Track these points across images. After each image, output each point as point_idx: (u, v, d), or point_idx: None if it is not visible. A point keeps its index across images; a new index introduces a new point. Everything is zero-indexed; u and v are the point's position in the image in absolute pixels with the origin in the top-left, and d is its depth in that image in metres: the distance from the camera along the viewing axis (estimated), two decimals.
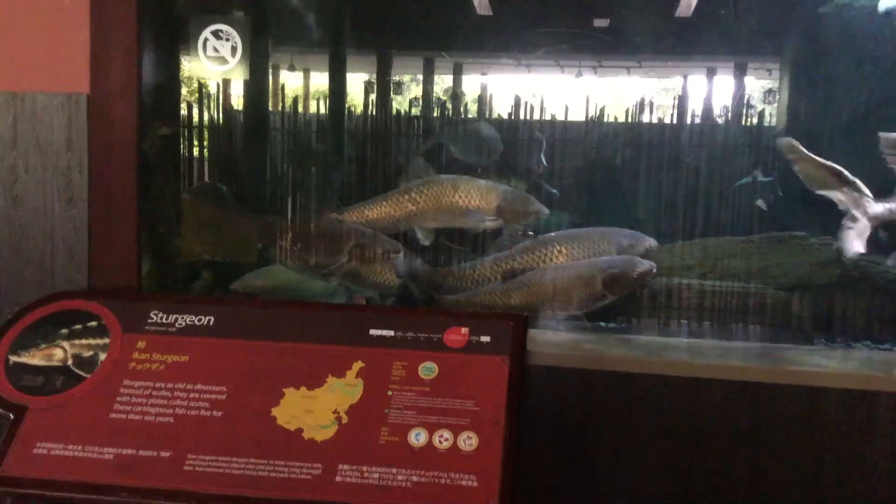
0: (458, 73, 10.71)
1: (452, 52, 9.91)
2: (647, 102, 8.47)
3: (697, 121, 8.08)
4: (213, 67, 3.72)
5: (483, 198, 4.25)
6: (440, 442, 2.71)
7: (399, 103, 10.27)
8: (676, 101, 8.90)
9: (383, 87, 9.73)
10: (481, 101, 9.27)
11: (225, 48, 3.70)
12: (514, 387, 2.82)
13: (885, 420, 3.02)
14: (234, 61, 3.72)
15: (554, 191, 5.69)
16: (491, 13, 9.10)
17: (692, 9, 8.69)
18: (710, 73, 9.99)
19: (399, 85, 10.10)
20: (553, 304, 3.84)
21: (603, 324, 4.78)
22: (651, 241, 4.00)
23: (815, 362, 3.26)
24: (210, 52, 3.70)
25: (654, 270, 3.78)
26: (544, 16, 8.64)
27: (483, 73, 10.96)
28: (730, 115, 8.61)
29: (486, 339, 2.92)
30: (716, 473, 3.08)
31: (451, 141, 6.35)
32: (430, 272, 4.23)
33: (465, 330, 2.94)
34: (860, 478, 3.06)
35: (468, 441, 2.71)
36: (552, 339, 3.52)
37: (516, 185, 6.56)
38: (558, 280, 3.91)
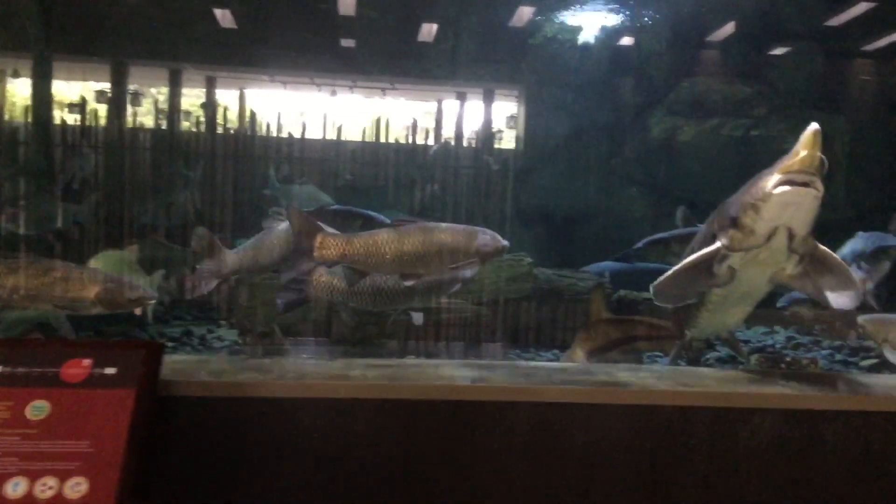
0: (210, 86, 10.16)
1: (197, 64, 9.40)
2: (384, 123, 8.47)
3: (430, 141, 8.21)
4: None
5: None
6: (42, 491, 2.33)
7: (139, 114, 9.55)
8: (412, 123, 8.96)
9: (118, 97, 9.01)
10: (224, 114, 8.85)
11: None
12: (139, 423, 2.49)
13: (524, 428, 3.01)
14: None
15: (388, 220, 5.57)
16: (236, 27, 8.70)
17: (433, 35, 8.83)
18: (460, 97, 10.21)
19: (137, 95, 9.38)
20: (433, 260, 3.68)
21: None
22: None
23: (464, 375, 3.16)
24: None
25: (508, 246, 3.78)
26: (292, 33, 8.40)
27: (240, 89, 10.49)
28: (459, 138, 8.80)
29: (111, 370, 2.57)
30: (371, 494, 2.92)
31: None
32: None
33: (87, 362, 2.57)
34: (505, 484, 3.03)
35: (77, 487, 2.35)
36: (208, 367, 3.18)
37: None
38: (440, 235, 3.71)
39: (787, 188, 2.82)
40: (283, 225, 4.24)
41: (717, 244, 3.13)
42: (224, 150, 7.91)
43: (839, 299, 3.13)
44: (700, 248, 3.26)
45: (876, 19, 6.82)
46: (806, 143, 2.79)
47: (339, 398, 2.83)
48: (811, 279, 3.17)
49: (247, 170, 7.75)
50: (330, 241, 3.65)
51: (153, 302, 3.96)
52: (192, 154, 7.03)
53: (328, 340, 4.46)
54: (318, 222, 3.72)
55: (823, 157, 2.81)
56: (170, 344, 4.71)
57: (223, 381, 2.83)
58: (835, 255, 3.20)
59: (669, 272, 3.26)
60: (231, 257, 4.23)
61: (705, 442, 2.93)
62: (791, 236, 2.97)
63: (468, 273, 4.21)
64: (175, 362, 3.04)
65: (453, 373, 3.21)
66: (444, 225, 3.83)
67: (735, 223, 3.03)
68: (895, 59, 7.40)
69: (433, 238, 3.70)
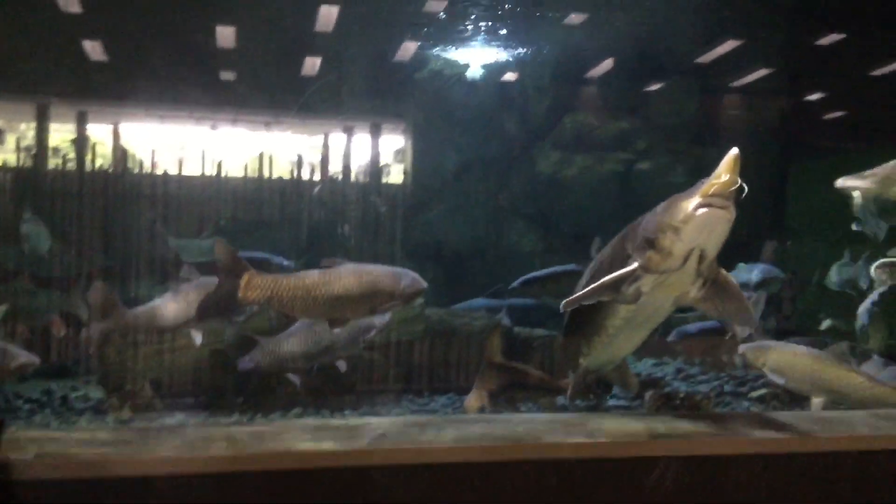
0: (82, 121, 9.48)
1: (66, 97, 8.75)
2: (268, 159, 8.11)
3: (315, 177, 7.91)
4: None
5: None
6: None
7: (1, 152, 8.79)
8: (297, 159, 8.64)
9: None
10: (88, 149, 8.26)
11: None
12: None
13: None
14: None
15: (287, 262, 5.38)
16: (108, 59, 8.15)
17: (317, 68, 8.56)
18: (347, 131, 9.93)
19: None
20: (361, 303, 3.57)
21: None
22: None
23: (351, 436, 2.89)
24: None
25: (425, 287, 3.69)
26: (168, 64, 7.94)
27: (114, 123, 9.85)
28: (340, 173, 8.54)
29: None
30: None
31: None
32: None
33: None
34: None
35: None
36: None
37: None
38: (368, 277, 3.57)
39: (707, 210, 2.82)
40: (192, 285, 3.99)
41: (635, 265, 3.07)
42: (94, 189, 7.36)
43: (736, 324, 3.20)
44: (608, 270, 3.19)
45: (745, 56, 7.08)
46: (727, 168, 2.80)
47: (214, 473, 2.49)
48: (712, 303, 3.19)
49: (122, 211, 7.23)
50: (257, 282, 3.41)
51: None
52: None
53: (206, 398, 4.08)
54: (245, 261, 3.47)
55: (741, 182, 2.82)
56: (26, 406, 4.19)
57: (76, 458, 2.44)
58: (734, 280, 3.24)
59: (585, 290, 3.20)
60: (130, 315, 3.96)
61: (610, 494, 2.78)
62: (701, 259, 2.96)
63: (384, 318, 4.08)
64: (20, 440, 2.61)
65: (343, 432, 2.93)
66: (369, 266, 3.69)
67: (653, 245, 2.98)
68: (766, 93, 7.71)
69: (362, 280, 3.55)
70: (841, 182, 4.08)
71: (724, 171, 2.80)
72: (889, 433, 2.98)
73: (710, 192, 2.82)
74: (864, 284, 5.63)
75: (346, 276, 3.53)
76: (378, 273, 3.62)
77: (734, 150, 2.81)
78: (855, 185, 4.06)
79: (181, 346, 4.13)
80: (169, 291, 4.12)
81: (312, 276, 3.51)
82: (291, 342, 4.08)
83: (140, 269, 5.71)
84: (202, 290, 3.85)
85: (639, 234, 3.09)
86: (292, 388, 4.19)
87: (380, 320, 4.13)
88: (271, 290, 3.42)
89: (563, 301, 3.24)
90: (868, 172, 4.03)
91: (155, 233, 6.15)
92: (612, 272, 3.14)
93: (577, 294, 3.21)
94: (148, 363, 4.06)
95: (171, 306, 3.99)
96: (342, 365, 4.11)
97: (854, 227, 4.80)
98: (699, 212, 2.83)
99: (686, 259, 2.95)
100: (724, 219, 2.85)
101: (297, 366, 4.16)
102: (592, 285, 3.18)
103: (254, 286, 3.39)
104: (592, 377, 3.97)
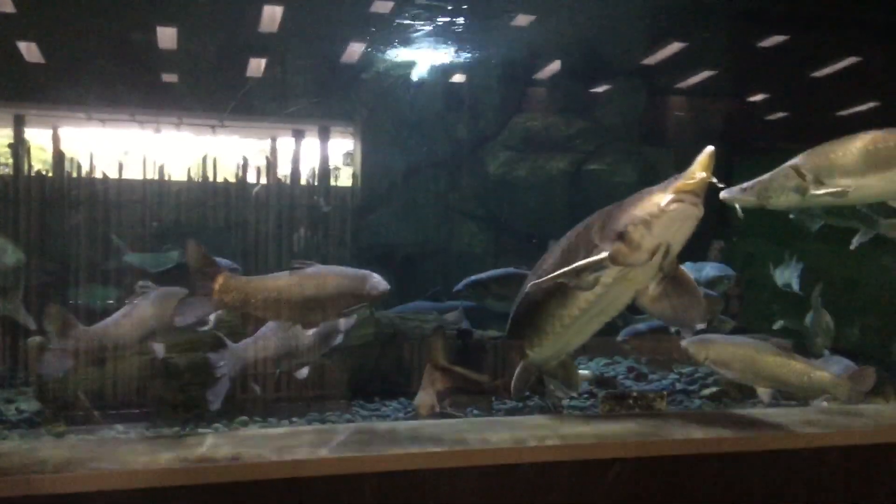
0: (19, 125, 9.15)
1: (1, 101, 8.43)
2: (212, 162, 7.91)
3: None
4: None
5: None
6: None
7: None
8: (243, 162, 8.46)
9: None
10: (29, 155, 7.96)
11: None
12: None
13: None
14: None
15: (237, 266, 5.05)
16: (44, 61, 7.86)
17: (262, 70, 8.37)
18: (295, 134, 9.75)
19: None
20: (332, 306, 3.48)
21: None
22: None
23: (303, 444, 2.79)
24: None
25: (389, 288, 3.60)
26: (106, 66, 7.67)
27: (54, 127, 9.53)
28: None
29: None
30: None
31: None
32: None
33: None
34: None
35: None
36: None
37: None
38: (334, 280, 3.51)
39: (679, 205, 2.84)
40: (150, 297, 3.84)
41: (604, 254, 3.05)
42: (31, 194, 7.08)
43: (690, 319, 3.22)
44: (570, 259, 3.18)
45: (690, 58, 7.13)
46: (701, 165, 2.83)
47: (151, 488, 2.36)
48: (664, 303, 3.21)
49: (61, 215, 6.98)
50: (232, 284, 3.28)
51: None
52: None
53: (147, 408, 3.90)
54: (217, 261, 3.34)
55: (714, 179, 2.87)
56: None
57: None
58: (690, 276, 3.26)
59: (552, 275, 3.19)
60: (89, 333, 3.74)
61: (565, 499, 2.71)
62: (666, 255, 2.97)
63: (350, 321, 4.02)
64: None
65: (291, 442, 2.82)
66: (336, 268, 3.65)
67: (622, 237, 2.96)
68: (711, 94, 7.79)
69: (331, 282, 3.49)
70: (723, 195, 4.15)
71: (699, 169, 2.83)
72: (842, 429, 2.98)
73: (683, 189, 2.83)
74: (795, 285, 5.71)
75: (317, 277, 3.48)
76: (345, 275, 3.58)
77: (709, 148, 2.89)
78: (735, 197, 4.15)
79: (121, 354, 3.94)
80: (127, 305, 3.96)
81: (284, 278, 3.44)
82: (261, 346, 3.93)
83: (82, 274, 5.48)
84: (161, 302, 3.74)
85: (607, 226, 3.10)
86: (252, 394, 4.06)
87: (345, 323, 4.06)
88: (246, 294, 3.31)
89: (531, 282, 3.27)
90: (747, 185, 4.13)
91: (113, 247, 5.94)
92: (573, 261, 3.13)
93: (546, 276, 3.20)
94: (85, 373, 3.86)
95: (129, 320, 3.84)
96: (303, 372, 3.99)
97: (791, 216, 4.90)
98: (672, 207, 2.85)
99: (653, 253, 2.96)
100: (695, 215, 2.88)
101: (268, 370, 4.06)
102: (563, 269, 3.16)
103: (229, 288, 3.27)
104: (535, 374, 3.93)
